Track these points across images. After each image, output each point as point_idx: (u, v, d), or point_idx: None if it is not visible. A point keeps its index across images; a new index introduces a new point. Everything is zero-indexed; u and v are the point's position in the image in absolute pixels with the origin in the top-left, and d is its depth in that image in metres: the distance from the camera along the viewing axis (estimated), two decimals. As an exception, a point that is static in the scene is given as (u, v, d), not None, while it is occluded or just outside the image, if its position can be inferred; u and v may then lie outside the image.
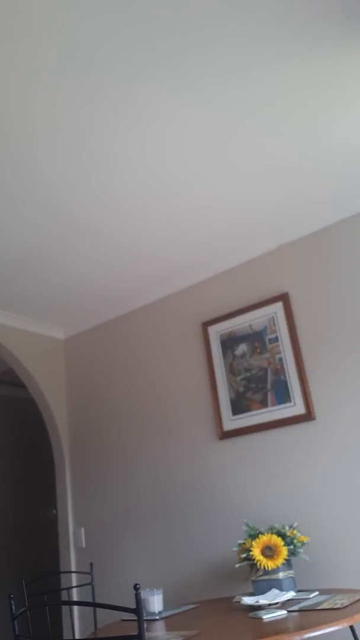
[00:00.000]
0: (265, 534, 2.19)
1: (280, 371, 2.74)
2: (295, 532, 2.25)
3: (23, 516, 4.58)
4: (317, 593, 2.08)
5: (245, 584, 2.57)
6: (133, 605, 2.26)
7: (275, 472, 2.65)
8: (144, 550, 3.03)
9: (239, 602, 2.05)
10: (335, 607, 1.73)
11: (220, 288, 3.11)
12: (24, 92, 1.78)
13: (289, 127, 2.10)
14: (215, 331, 3.04)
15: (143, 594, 2.18)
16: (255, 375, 2.82)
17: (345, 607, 1.71)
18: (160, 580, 2.91)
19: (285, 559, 2.14)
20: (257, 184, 2.44)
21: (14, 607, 1.54)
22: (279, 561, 2.11)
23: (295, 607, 1.83)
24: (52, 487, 4.48)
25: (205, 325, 3.08)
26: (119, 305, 3.54)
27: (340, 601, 1.82)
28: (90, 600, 3.08)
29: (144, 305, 3.45)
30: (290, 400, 2.67)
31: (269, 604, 1.89)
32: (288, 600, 2.01)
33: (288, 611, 1.80)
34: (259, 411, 2.76)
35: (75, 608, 3.21)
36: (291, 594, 1.97)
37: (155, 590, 2.18)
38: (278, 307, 2.83)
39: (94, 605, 1.31)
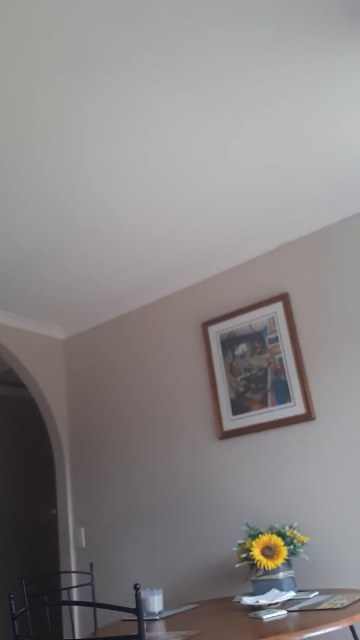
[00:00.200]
0: (265, 534, 2.19)
1: (280, 371, 2.74)
2: (295, 532, 2.25)
3: (23, 516, 4.58)
4: (317, 593, 2.08)
5: (245, 584, 2.57)
6: (133, 605, 2.26)
7: (275, 472, 2.65)
8: (144, 550, 3.03)
9: (239, 602, 2.05)
10: (335, 607, 1.73)
11: (220, 288, 3.11)
12: (24, 92, 1.78)
13: (289, 127, 2.10)
14: (215, 331, 3.04)
15: (143, 594, 2.18)
16: (255, 375, 2.82)
17: (345, 607, 1.71)
18: (160, 580, 2.91)
19: (285, 559, 2.14)
20: (257, 184, 2.44)
21: (14, 607, 1.54)
22: (279, 561, 2.11)
23: (295, 607, 1.83)
24: (52, 487, 4.48)
25: (205, 325, 3.08)
26: (119, 305, 3.54)
27: (340, 601, 1.82)
28: (90, 600, 3.08)
29: (144, 305, 3.45)
30: (290, 400, 2.67)
31: (269, 604, 1.89)
32: (288, 600, 2.01)
33: (288, 611, 1.80)
34: (259, 411, 2.76)
35: (75, 608, 3.21)
36: (291, 594, 1.97)
37: (155, 590, 2.18)
38: (278, 307, 2.83)
39: (94, 605, 1.31)
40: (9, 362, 3.58)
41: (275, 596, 1.98)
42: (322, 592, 2.13)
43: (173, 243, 2.85)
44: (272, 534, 2.21)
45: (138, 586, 1.29)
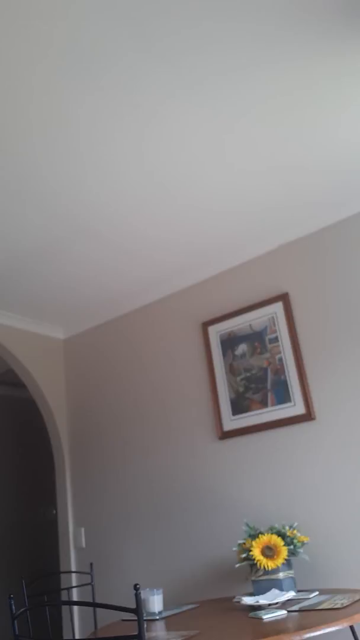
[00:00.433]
0: (265, 534, 2.19)
1: (280, 371, 2.74)
2: (295, 532, 2.25)
3: (23, 516, 4.58)
4: (317, 593, 2.08)
5: (245, 584, 2.57)
6: (133, 605, 2.26)
7: (275, 472, 2.65)
8: (144, 550, 3.03)
9: (239, 602, 2.05)
10: (335, 607, 1.73)
11: (220, 288, 3.11)
12: (22, 92, 1.78)
13: (288, 126, 2.10)
14: (215, 331, 3.04)
15: (143, 594, 2.18)
16: (255, 375, 2.82)
17: (345, 607, 1.71)
18: (160, 580, 2.91)
19: (285, 559, 2.14)
20: (257, 184, 2.44)
21: (14, 607, 1.54)
22: (279, 561, 2.11)
23: (295, 607, 1.83)
24: (52, 487, 4.48)
25: (205, 325, 3.08)
26: (119, 305, 3.54)
27: (340, 601, 1.82)
28: (90, 600, 3.08)
29: (144, 305, 3.45)
30: (290, 400, 2.67)
31: (269, 604, 1.89)
32: (288, 600, 2.01)
33: (288, 611, 1.80)
34: (259, 411, 2.76)
35: (75, 608, 3.21)
36: (291, 594, 1.97)
37: (155, 590, 2.18)
38: (278, 307, 2.83)
39: (94, 605, 1.31)
40: (9, 362, 3.58)
41: (275, 596, 1.98)
42: (322, 592, 2.13)
43: (173, 243, 2.85)
44: (272, 534, 2.21)
45: (138, 586, 1.29)
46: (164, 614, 2.16)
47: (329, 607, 1.75)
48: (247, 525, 2.37)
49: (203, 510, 2.86)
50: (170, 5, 1.55)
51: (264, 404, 2.75)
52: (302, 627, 1.51)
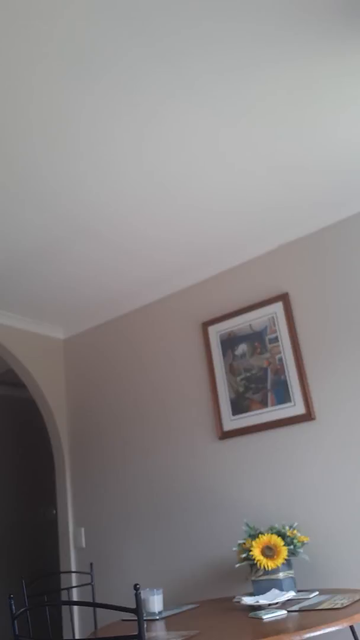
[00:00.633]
0: (265, 534, 2.19)
1: (280, 371, 2.74)
2: (295, 532, 2.25)
3: (23, 516, 4.58)
4: (317, 593, 2.08)
5: (245, 584, 2.57)
6: (133, 605, 2.26)
7: (275, 472, 2.65)
8: (144, 550, 3.03)
9: (239, 602, 2.05)
10: (335, 607, 1.73)
11: (220, 288, 3.11)
12: (21, 92, 1.78)
13: (288, 126, 2.10)
14: (215, 331, 3.04)
15: (143, 594, 2.18)
16: (255, 375, 2.82)
17: (345, 607, 1.71)
18: (160, 580, 2.91)
19: (285, 559, 2.14)
20: (257, 184, 2.44)
21: (14, 607, 1.54)
22: (279, 561, 2.11)
23: (295, 607, 1.83)
24: (52, 487, 4.48)
25: (205, 325, 3.08)
26: (119, 305, 3.54)
27: (340, 601, 1.82)
28: (90, 600, 3.08)
29: (144, 305, 3.45)
30: (290, 400, 2.67)
31: (269, 604, 1.89)
32: (288, 600, 2.01)
33: (288, 611, 1.80)
34: (259, 411, 2.76)
35: (75, 608, 3.21)
36: (291, 594, 1.97)
37: (155, 590, 2.18)
38: (278, 307, 2.83)
39: (94, 605, 1.31)
40: (9, 362, 3.58)
41: (275, 596, 1.98)
42: (322, 592, 2.13)
43: (173, 243, 2.85)
44: (272, 534, 2.21)
45: (138, 586, 1.29)
46: (164, 614, 2.16)
47: (329, 607, 1.75)
48: (247, 525, 2.37)
49: (203, 510, 2.86)
50: (170, 5, 1.55)
51: (264, 404, 2.75)
52: (302, 627, 1.51)
